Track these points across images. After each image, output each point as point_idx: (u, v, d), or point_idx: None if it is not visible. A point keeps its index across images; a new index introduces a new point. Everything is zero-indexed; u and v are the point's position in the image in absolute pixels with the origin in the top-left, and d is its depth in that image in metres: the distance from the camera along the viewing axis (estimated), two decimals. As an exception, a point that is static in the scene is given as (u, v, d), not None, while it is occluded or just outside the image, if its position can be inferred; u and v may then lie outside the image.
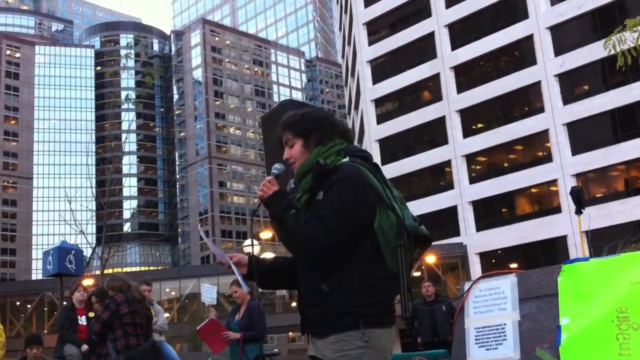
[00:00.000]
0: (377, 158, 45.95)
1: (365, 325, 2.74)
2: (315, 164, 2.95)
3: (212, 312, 8.37)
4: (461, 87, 50.18)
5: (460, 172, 49.05)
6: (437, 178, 51.37)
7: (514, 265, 41.24)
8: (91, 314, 7.98)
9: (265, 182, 3.03)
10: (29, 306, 54.71)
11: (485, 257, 47.39)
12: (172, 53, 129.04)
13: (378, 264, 2.81)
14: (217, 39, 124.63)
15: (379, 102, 55.34)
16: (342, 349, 2.73)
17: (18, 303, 55.82)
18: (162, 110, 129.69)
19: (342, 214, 2.77)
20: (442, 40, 51.36)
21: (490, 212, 48.28)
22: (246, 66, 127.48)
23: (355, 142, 3.33)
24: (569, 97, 44.70)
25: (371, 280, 2.79)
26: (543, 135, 45.71)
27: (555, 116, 44.51)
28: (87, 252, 26.78)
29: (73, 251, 13.84)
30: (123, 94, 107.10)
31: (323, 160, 2.94)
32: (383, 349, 2.79)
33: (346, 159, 2.97)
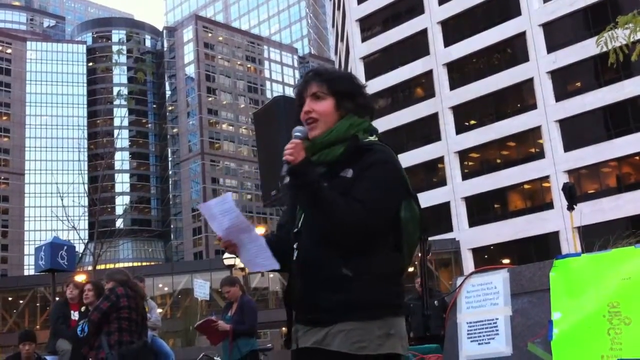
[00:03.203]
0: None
1: (387, 315, 2.60)
2: (352, 137, 2.70)
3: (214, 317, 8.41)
4: (454, 84, 50.25)
5: (453, 168, 49.15)
6: (430, 174, 51.43)
7: (506, 261, 41.36)
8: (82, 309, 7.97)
9: (292, 146, 2.62)
10: (21, 302, 54.65)
11: (477, 252, 47.52)
12: (165, 49, 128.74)
13: (396, 254, 2.69)
14: (209, 35, 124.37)
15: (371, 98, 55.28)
16: (361, 339, 2.54)
17: (10, 299, 55.77)
18: (154, 106, 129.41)
19: (383, 198, 2.59)
20: (435, 37, 51.40)
21: (483, 208, 48.40)
22: (239, 62, 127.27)
23: None
24: (561, 94, 44.82)
25: (391, 270, 2.66)
26: (535, 132, 45.83)
27: (548, 113, 44.62)
28: (80, 248, 26.73)
29: (65, 247, 13.81)
30: (115, 90, 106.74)
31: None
32: (401, 337, 2.66)
33: (373, 138, 2.78)
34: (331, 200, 2.56)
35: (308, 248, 2.66)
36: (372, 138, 2.77)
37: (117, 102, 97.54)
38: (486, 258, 46.11)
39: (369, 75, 55.43)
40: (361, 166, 2.63)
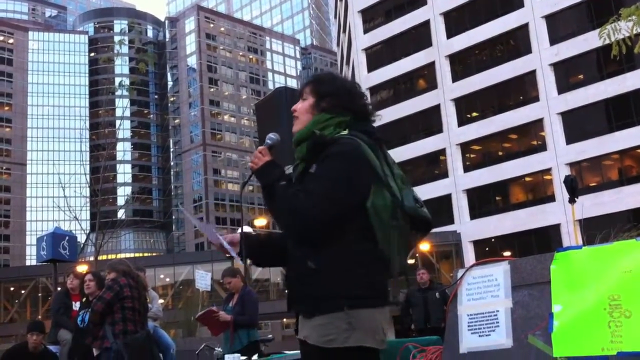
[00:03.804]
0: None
1: (352, 307, 2.61)
2: (310, 134, 2.82)
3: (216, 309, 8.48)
4: (456, 76, 50.19)
5: (454, 160, 49.14)
6: (432, 166, 51.45)
7: (507, 253, 41.38)
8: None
9: (256, 153, 2.90)
10: (23, 292, 54.78)
11: (479, 245, 47.56)
12: (167, 40, 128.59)
13: (369, 244, 2.69)
14: (211, 25, 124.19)
15: (374, 90, 55.26)
16: (328, 333, 2.62)
17: (12, 289, 55.90)
18: (156, 97, 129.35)
19: (332, 188, 2.65)
20: (438, 29, 51.30)
21: (485, 201, 48.41)
22: (241, 53, 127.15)
23: None
24: (563, 86, 44.76)
25: (361, 260, 2.67)
26: (537, 124, 45.79)
27: (550, 105, 44.58)
28: (81, 239, 26.79)
29: (67, 237, 13.81)
30: (117, 80, 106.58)
31: (319, 131, 2.81)
32: (373, 330, 2.67)
33: (345, 132, 2.84)
34: (282, 197, 2.72)
35: (291, 243, 2.83)
36: (344, 132, 2.84)
37: (118, 92, 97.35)
38: (487, 250, 46.16)
39: (371, 67, 55.39)
40: (319, 160, 2.74)
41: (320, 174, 2.70)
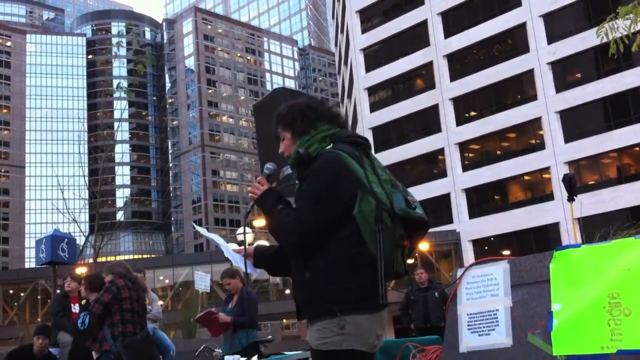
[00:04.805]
0: (370, 146, 45.81)
1: (343, 312, 2.74)
2: (295, 154, 2.98)
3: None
4: (454, 75, 50.16)
5: (453, 159, 49.12)
6: (430, 166, 51.42)
7: (506, 252, 41.39)
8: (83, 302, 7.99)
9: (255, 184, 3.11)
10: (22, 294, 54.71)
11: (478, 244, 47.54)
12: (164, 41, 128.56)
13: (360, 249, 2.79)
14: (209, 27, 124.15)
15: (372, 90, 55.27)
16: (323, 337, 2.77)
17: (11, 291, 55.81)
18: (154, 98, 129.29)
19: (313, 202, 2.83)
20: (435, 28, 51.29)
21: (483, 200, 48.41)
22: (239, 54, 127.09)
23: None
24: (561, 84, 44.76)
25: (351, 266, 2.78)
26: (536, 123, 45.79)
27: (548, 104, 44.58)
28: (80, 241, 26.76)
29: (66, 239, 13.77)
30: (115, 82, 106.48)
31: (304, 149, 2.96)
32: (365, 335, 2.78)
33: (329, 146, 2.97)
34: (276, 218, 2.93)
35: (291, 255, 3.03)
36: (328, 147, 2.98)
37: (116, 94, 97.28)
38: (486, 249, 46.14)
39: (369, 67, 55.37)
40: (305, 177, 2.94)
41: (303, 190, 2.89)
